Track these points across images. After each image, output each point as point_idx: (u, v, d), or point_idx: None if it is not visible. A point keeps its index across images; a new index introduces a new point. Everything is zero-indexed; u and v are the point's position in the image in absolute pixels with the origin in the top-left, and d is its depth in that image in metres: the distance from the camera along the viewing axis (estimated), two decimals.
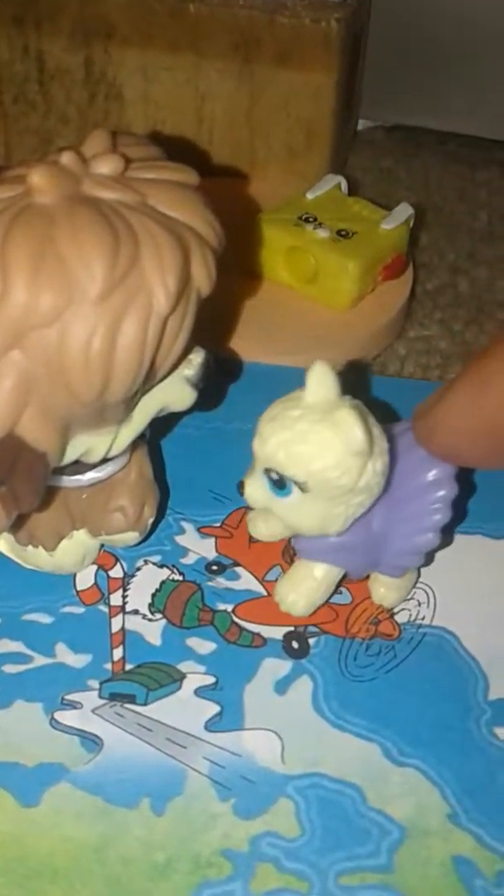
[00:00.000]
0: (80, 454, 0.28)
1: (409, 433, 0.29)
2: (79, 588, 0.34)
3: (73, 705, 0.31)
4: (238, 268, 0.44)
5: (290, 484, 0.27)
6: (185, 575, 0.34)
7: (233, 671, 0.32)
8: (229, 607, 0.33)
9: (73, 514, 0.32)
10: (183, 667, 0.32)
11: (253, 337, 0.42)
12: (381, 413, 0.28)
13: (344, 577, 0.32)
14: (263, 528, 0.32)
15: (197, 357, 0.30)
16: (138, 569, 0.34)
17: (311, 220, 0.44)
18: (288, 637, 0.33)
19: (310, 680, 0.32)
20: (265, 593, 0.34)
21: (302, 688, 0.31)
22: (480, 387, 0.25)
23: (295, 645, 0.33)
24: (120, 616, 0.33)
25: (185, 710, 0.31)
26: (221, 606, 0.33)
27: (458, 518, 0.33)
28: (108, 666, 0.32)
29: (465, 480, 0.30)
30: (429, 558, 0.33)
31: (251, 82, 0.49)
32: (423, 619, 0.33)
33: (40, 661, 0.32)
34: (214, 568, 0.35)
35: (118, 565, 0.34)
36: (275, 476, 0.27)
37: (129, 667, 0.32)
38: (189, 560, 0.35)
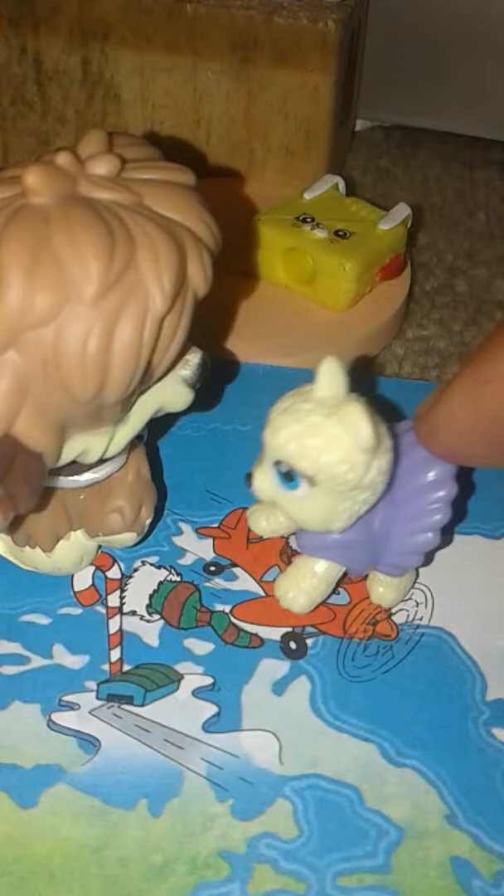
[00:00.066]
0: (76, 455, 0.28)
1: (410, 433, 0.29)
2: (76, 589, 0.34)
3: (71, 706, 0.31)
4: (235, 268, 0.44)
5: (299, 477, 0.27)
6: (183, 576, 0.34)
7: (230, 672, 0.32)
8: (227, 608, 0.33)
9: (70, 515, 0.32)
10: (180, 668, 0.32)
11: (250, 338, 0.42)
12: (381, 413, 0.28)
13: (343, 577, 0.32)
14: (265, 524, 0.32)
15: (194, 358, 0.30)
16: (136, 570, 0.34)
17: (308, 220, 0.44)
18: (286, 638, 0.33)
19: (307, 681, 0.32)
20: (263, 594, 0.34)
21: (299, 688, 0.31)
22: (479, 385, 0.25)
23: (293, 645, 0.33)
24: (117, 617, 0.33)
25: (183, 711, 0.31)
26: (219, 607, 0.33)
27: (457, 518, 0.33)
28: (106, 667, 0.32)
29: (463, 480, 0.30)
30: (429, 558, 0.33)
31: (249, 83, 0.49)
32: (420, 619, 0.33)
33: (38, 662, 0.32)
34: (212, 569, 0.35)
35: (116, 566, 0.34)
36: (284, 468, 0.28)
37: (126, 668, 0.32)
38: (187, 561, 0.35)
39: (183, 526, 0.36)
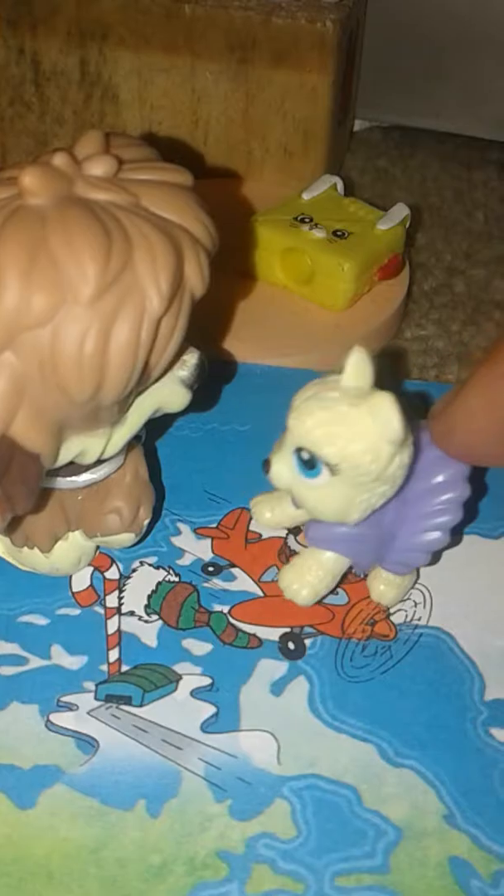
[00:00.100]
0: (74, 455, 0.28)
1: (423, 433, 0.29)
2: (75, 590, 0.34)
3: (69, 707, 0.31)
4: (233, 268, 0.44)
5: (320, 465, 0.27)
6: (182, 576, 0.34)
7: (229, 672, 0.32)
8: (225, 608, 0.33)
9: (68, 516, 0.32)
10: (179, 668, 0.32)
11: (248, 338, 0.42)
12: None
13: (343, 577, 0.32)
14: (269, 515, 0.32)
15: (191, 358, 0.30)
16: (134, 570, 0.34)
17: (307, 220, 0.44)
18: (284, 638, 0.33)
19: (306, 681, 0.32)
20: (261, 594, 0.34)
21: (298, 689, 0.31)
22: (495, 384, 0.25)
23: (291, 646, 0.33)
24: (116, 617, 0.33)
25: (181, 712, 0.31)
26: (217, 608, 0.33)
27: (467, 520, 0.32)
28: (104, 667, 0.32)
29: (476, 482, 0.30)
30: (435, 558, 0.33)
31: (247, 83, 0.49)
32: (419, 619, 0.33)
33: (36, 662, 0.32)
34: (210, 569, 0.35)
35: (114, 567, 0.34)
36: (306, 455, 0.27)
37: (125, 668, 0.32)
38: (185, 561, 0.35)
39: (181, 526, 0.36)
